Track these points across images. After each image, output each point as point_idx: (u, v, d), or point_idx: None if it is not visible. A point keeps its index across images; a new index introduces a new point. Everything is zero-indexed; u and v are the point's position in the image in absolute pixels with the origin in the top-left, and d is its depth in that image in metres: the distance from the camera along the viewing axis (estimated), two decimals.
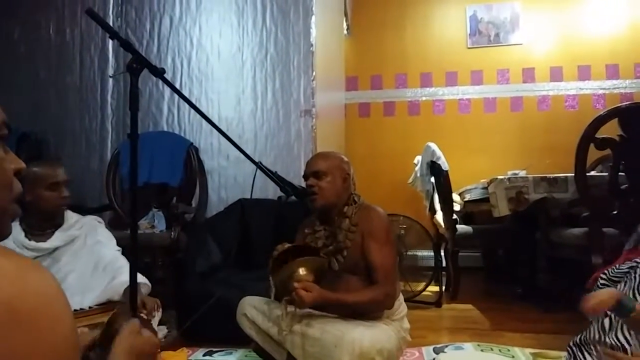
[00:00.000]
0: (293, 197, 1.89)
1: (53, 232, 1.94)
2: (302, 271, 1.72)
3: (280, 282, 1.75)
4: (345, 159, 1.99)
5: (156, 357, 0.98)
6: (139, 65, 1.37)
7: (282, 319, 1.74)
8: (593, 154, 2.51)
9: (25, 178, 2.00)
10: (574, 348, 1.67)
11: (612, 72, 4.47)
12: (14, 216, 0.63)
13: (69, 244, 1.95)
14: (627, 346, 1.52)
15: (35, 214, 1.90)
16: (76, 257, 1.95)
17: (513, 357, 1.96)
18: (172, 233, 2.70)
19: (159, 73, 1.44)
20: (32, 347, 0.44)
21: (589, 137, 2.40)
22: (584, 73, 4.50)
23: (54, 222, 1.95)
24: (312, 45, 3.06)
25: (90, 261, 1.95)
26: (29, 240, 1.88)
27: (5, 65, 3.38)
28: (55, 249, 1.92)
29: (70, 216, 2.01)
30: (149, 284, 1.92)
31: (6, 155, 0.61)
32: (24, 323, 0.44)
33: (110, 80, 3.28)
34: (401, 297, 1.94)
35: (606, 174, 2.51)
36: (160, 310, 1.87)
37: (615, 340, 1.54)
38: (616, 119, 2.38)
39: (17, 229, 1.88)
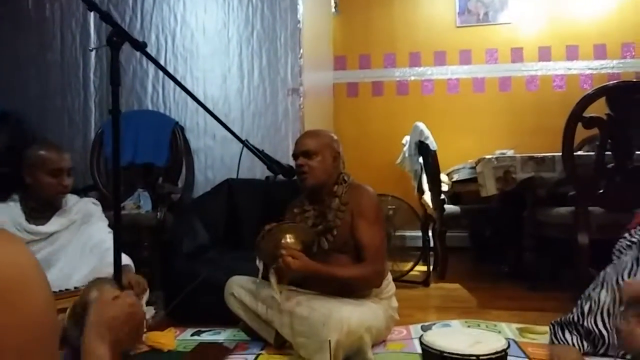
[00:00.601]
0: (281, 177, 1.87)
1: (52, 215, 1.95)
2: (289, 238, 1.70)
3: (268, 250, 1.72)
4: (335, 137, 1.97)
5: (142, 324, 0.94)
6: (120, 38, 1.33)
7: (273, 289, 1.68)
8: (580, 134, 2.52)
9: (28, 159, 1.96)
10: (555, 326, 1.69)
11: (600, 52, 4.46)
12: None
13: (66, 228, 1.97)
14: (604, 332, 1.53)
15: (33, 197, 1.91)
16: (70, 240, 1.96)
17: (500, 332, 1.98)
18: (158, 213, 2.67)
19: (141, 47, 1.41)
20: (6, 318, 0.42)
21: (577, 115, 2.40)
22: (572, 53, 4.49)
23: (52, 206, 1.96)
24: (299, 22, 3.00)
25: (80, 243, 1.97)
26: (29, 223, 1.89)
27: None
28: (53, 232, 1.93)
29: (69, 199, 2.01)
30: (132, 265, 1.91)
31: None
32: None
33: (93, 57, 3.19)
34: (389, 276, 1.94)
35: (593, 153, 2.52)
36: (148, 290, 1.86)
37: (593, 325, 1.55)
38: (604, 98, 2.39)
39: (17, 211, 1.89)
